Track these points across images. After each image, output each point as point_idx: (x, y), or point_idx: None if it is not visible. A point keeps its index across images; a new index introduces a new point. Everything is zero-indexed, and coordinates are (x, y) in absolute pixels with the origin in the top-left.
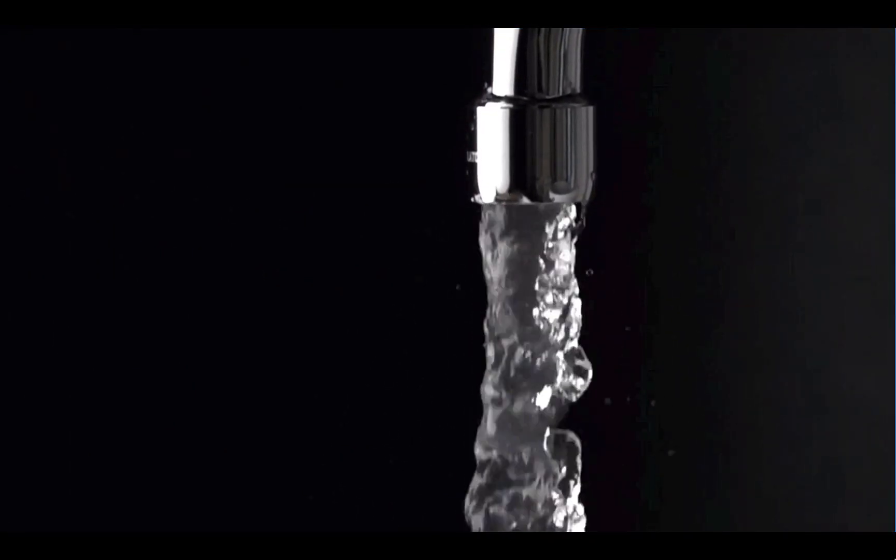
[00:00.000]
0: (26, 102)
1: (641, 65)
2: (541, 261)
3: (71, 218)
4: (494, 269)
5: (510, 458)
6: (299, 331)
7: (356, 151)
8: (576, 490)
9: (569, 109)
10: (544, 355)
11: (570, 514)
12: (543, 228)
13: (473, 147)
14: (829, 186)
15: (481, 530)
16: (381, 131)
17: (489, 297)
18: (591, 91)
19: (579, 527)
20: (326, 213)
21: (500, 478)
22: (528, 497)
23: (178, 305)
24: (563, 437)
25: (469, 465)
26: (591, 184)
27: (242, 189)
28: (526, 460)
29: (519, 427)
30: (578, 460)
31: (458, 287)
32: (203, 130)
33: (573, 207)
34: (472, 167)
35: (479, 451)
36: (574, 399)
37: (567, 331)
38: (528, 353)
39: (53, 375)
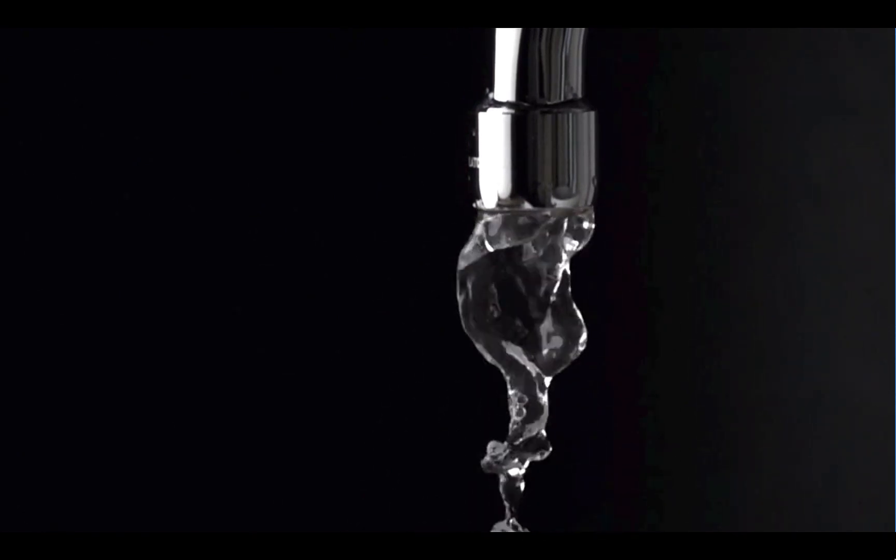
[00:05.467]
0: (26, 102)
1: (642, 69)
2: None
3: (71, 218)
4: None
5: None
6: (299, 335)
7: (357, 156)
8: None
9: (570, 115)
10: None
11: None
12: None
13: (475, 153)
14: (829, 186)
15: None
16: (383, 136)
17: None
18: (593, 96)
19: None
20: (327, 216)
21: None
22: None
23: (179, 308)
24: None
25: (467, 466)
26: (592, 189)
27: (243, 192)
28: None
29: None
30: None
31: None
32: (203, 131)
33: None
34: (474, 173)
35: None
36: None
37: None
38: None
39: (53, 375)
